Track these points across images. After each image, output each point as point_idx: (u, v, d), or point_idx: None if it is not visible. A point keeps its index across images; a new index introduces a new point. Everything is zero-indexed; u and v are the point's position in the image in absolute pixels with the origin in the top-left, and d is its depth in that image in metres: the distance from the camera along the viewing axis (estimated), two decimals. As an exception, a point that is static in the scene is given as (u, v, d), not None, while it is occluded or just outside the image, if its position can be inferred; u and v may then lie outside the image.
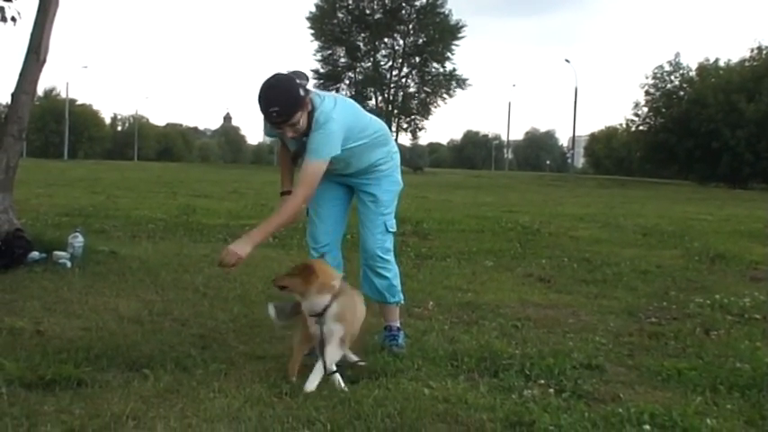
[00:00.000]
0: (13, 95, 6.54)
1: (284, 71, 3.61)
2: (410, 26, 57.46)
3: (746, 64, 48.10)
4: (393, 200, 3.97)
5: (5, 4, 7.14)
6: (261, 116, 3.56)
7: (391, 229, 3.94)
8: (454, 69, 57.06)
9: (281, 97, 3.46)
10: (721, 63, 49.75)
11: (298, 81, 3.49)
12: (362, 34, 57.74)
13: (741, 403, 3.20)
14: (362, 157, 3.82)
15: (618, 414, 2.95)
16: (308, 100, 3.51)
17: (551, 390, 3.26)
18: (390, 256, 3.95)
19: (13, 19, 7.20)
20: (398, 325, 4.02)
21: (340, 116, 3.58)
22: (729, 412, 3.08)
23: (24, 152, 12.00)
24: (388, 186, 3.95)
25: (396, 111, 58.13)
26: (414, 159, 66.61)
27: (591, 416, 2.93)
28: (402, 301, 4.08)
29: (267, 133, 3.88)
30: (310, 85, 3.65)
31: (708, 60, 50.14)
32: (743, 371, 3.59)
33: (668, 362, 3.77)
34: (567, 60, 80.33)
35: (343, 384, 3.21)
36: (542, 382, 3.37)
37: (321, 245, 3.88)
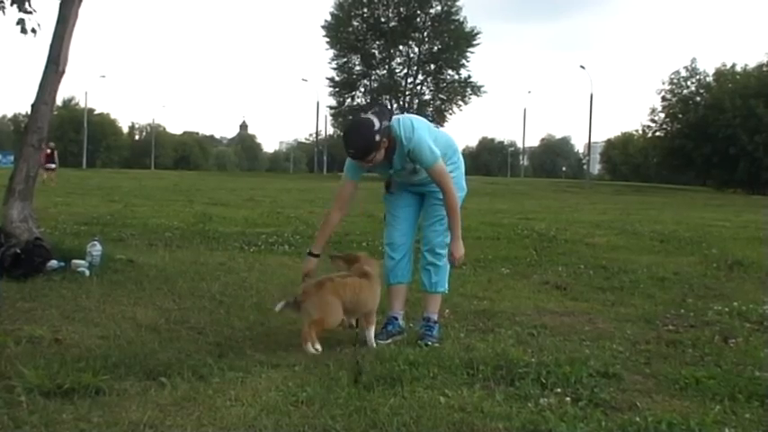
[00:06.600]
0: (33, 106, 6.62)
1: (369, 112, 4.11)
2: (425, 34, 57.50)
3: (765, 69, 47.76)
4: (458, 203, 4.31)
5: (26, 16, 7.23)
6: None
7: None
8: (469, 76, 57.05)
9: (358, 142, 4.04)
10: (738, 68, 49.51)
11: (376, 127, 3.97)
12: (377, 42, 57.85)
13: (760, 412, 3.16)
14: None
15: (635, 423, 2.93)
16: (385, 141, 4.04)
17: (568, 398, 3.24)
18: (446, 250, 4.33)
19: (33, 30, 7.28)
20: (436, 318, 4.42)
21: (420, 124, 4.19)
22: (748, 421, 3.05)
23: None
24: (456, 192, 4.32)
25: (411, 118, 57.96)
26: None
27: (608, 425, 2.92)
28: (447, 291, 4.55)
29: (349, 173, 4.30)
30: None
31: (725, 65, 50.02)
32: (762, 379, 3.56)
33: (686, 370, 3.74)
34: (582, 66, 79.48)
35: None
36: (559, 390, 3.35)
37: (398, 246, 4.42)
